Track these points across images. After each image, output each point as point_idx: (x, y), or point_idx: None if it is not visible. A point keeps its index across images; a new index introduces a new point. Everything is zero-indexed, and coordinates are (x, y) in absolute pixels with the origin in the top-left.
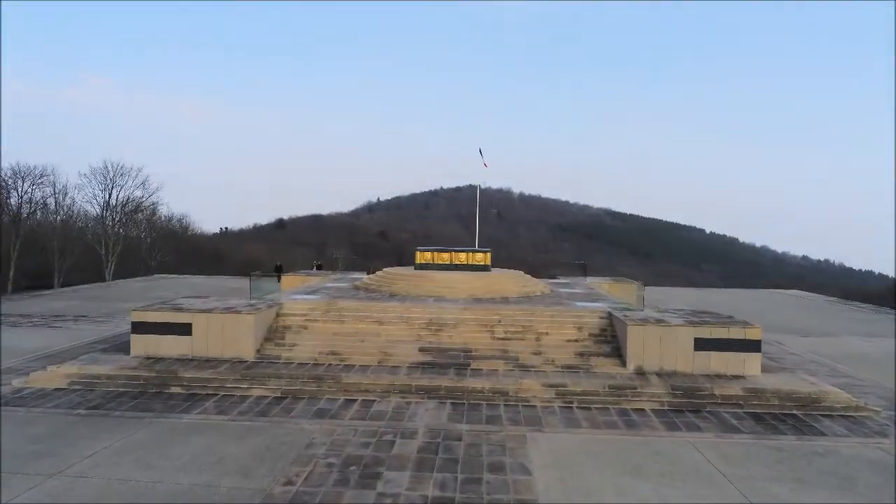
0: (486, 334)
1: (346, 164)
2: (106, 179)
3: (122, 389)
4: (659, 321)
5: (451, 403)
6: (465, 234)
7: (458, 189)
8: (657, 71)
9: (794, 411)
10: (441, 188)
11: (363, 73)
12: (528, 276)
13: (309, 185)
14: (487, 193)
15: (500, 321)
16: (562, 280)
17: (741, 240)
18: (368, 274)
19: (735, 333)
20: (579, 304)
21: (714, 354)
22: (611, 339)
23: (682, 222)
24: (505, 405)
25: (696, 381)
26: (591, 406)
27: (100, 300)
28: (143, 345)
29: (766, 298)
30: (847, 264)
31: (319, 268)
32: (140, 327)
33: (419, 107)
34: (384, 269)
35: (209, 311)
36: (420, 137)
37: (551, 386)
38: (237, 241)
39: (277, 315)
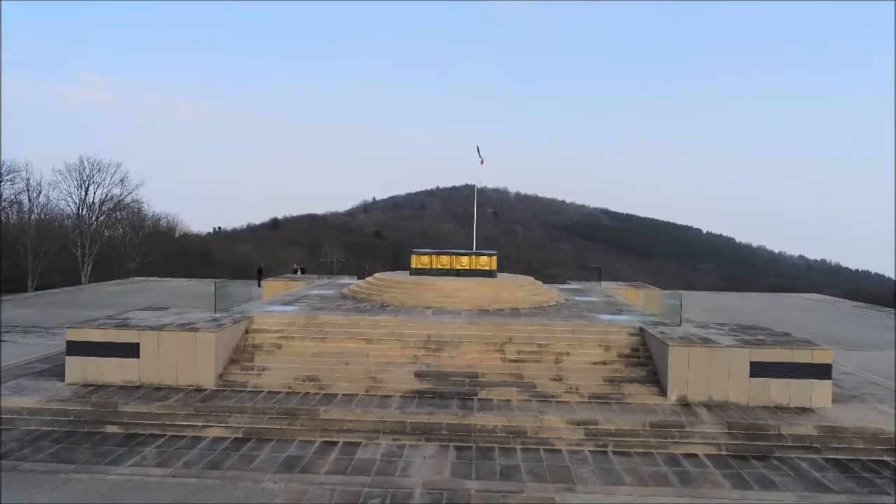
0: (495, 355)
1: (343, 163)
2: (82, 176)
3: (46, 429)
4: (705, 340)
5: (455, 447)
6: (461, 233)
7: (454, 188)
8: (656, 70)
9: (885, 457)
10: (437, 187)
11: (360, 72)
12: (540, 283)
13: (305, 184)
14: (483, 193)
15: (510, 339)
16: (575, 286)
17: (738, 240)
18: (360, 278)
19: (800, 356)
20: (604, 317)
21: (774, 382)
22: (645, 362)
23: (679, 222)
24: (523, 450)
25: (755, 415)
26: (631, 450)
27: (64, 307)
28: (80, 369)
29: (787, 304)
30: (843, 264)
31: (302, 272)
32: (77, 348)
33: (416, 106)
34: (375, 275)
35: (161, 328)
36: (416, 136)
37: (579, 423)
38: (230, 241)
39: (247, 331)
